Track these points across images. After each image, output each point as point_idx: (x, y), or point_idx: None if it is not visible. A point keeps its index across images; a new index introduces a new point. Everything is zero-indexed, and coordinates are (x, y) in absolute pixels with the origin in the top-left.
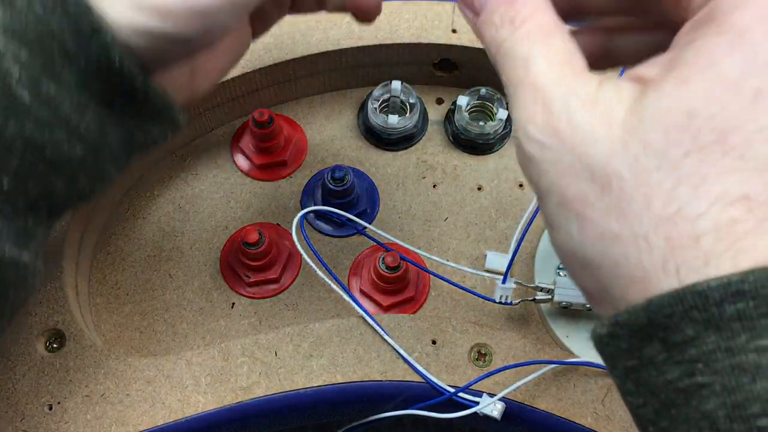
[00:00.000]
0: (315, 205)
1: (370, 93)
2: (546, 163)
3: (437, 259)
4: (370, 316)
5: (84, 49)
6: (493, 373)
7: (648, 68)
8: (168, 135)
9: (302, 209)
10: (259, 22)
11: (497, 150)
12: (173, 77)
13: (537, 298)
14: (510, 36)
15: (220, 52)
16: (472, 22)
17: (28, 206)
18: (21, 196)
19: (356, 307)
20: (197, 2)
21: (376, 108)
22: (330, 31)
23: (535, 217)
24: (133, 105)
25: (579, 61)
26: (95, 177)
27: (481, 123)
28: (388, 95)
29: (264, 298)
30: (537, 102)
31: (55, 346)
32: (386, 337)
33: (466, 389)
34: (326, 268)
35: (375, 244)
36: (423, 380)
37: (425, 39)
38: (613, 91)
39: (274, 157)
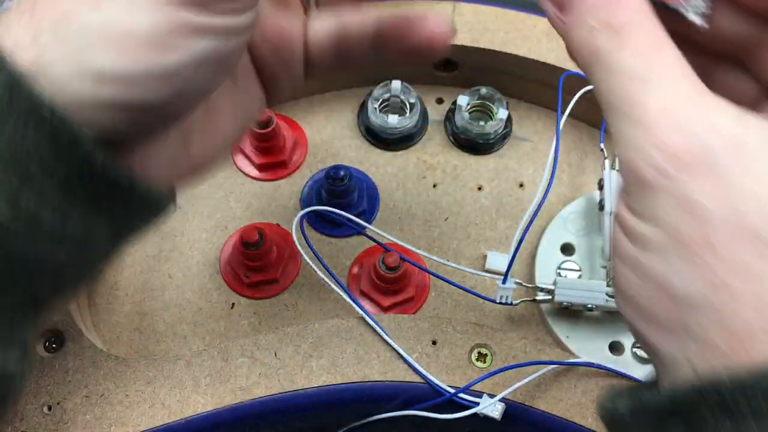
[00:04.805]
0: (315, 205)
1: (370, 93)
2: (669, 195)
3: (437, 259)
4: (370, 317)
5: (63, 160)
6: (494, 374)
7: None
8: (155, 221)
9: (302, 209)
10: (269, 82)
11: (497, 150)
12: (158, 150)
13: (537, 298)
14: (614, 45)
15: (221, 115)
16: (555, 18)
17: (10, 314)
18: (2, 306)
19: (356, 308)
20: (160, 62)
21: (376, 108)
22: None
23: (535, 217)
24: (120, 204)
25: (701, 84)
26: (82, 275)
27: (481, 123)
28: (388, 95)
29: (264, 298)
30: (671, 126)
31: (54, 346)
32: (386, 337)
33: (466, 390)
34: (326, 268)
35: (375, 244)
36: (423, 381)
37: None
38: (763, 136)
39: (273, 157)
